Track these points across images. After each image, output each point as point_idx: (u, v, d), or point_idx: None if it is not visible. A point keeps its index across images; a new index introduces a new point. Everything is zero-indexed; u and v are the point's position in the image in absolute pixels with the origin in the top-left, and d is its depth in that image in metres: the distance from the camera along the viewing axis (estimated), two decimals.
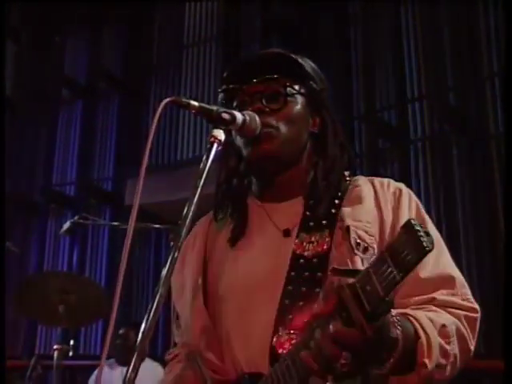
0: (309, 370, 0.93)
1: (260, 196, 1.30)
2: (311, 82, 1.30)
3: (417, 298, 1.13)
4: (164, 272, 1.00)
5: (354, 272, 0.90)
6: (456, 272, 1.18)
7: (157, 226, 3.24)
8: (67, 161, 6.82)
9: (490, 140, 4.61)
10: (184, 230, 1.05)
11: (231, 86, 1.29)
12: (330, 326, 0.90)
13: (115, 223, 3.81)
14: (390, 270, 0.83)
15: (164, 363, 1.39)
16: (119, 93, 6.81)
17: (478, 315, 1.15)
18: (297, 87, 1.28)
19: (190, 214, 1.06)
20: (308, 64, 1.32)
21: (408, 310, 1.07)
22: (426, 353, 1.02)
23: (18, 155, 6.70)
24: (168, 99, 1.12)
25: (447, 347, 1.07)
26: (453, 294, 1.15)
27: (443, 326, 1.07)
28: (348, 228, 1.16)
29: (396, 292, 1.13)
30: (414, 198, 1.27)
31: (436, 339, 1.04)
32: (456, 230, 4.48)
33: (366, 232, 1.17)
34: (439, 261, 1.17)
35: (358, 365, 0.92)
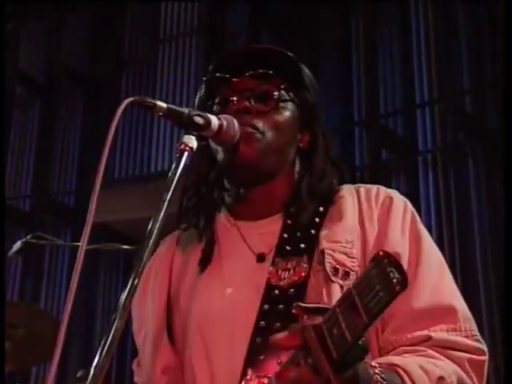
0: None
1: (233, 212, 1.31)
2: (305, 92, 1.32)
3: (409, 335, 1.11)
4: (121, 301, 1.00)
5: (323, 310, 0.90)
6: (459, 302, 1.17)
7: (126, 247, 3.22)
8: (21, 170, 6.79)
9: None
10: (146, 252, 1.05)
11: (218, 74, 1.29)
12: (293, 372, 0.90)
13: (77, 243, 3.77)
14: (357, 310, 0.83)
15: None
16: (84, 92, 6.81)
17: (486, 358, 1.13)
18: (291, 94, 1.30)
19: (155, 232, 1.07)
20: (305, 72, 1.35)
21: (396, 359, 1.05)
22: None
23: None
24: (130, 99, 1.14)
25: None
26: (454, 330, 1.12)
27: (441, 378, 1.05)
28: (323, 251, 1.17)
29: (385, 325, 1.13)
30: (410, 207, 1.26)
31: None
32: (472, 256, 4.47)
33: (346, 254, 1.17)
34: (438, 288, 1.16)
35: None
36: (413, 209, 1.26)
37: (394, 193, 1.28)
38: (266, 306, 1.15)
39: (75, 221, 6.28)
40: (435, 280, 1.17)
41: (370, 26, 5.49)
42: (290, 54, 1.31)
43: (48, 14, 7.02)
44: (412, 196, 5.08)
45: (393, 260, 0.82)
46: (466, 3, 5.00)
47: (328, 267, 1.15)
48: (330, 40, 5.61)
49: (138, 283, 1.03)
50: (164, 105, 1.16)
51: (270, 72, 1.26)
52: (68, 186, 6.58)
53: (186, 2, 6.41)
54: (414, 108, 5.10)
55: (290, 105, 1.29)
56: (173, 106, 1.17)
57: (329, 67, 5.46)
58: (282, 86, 1.28)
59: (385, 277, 0.81)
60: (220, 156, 1.26)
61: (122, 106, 1.11)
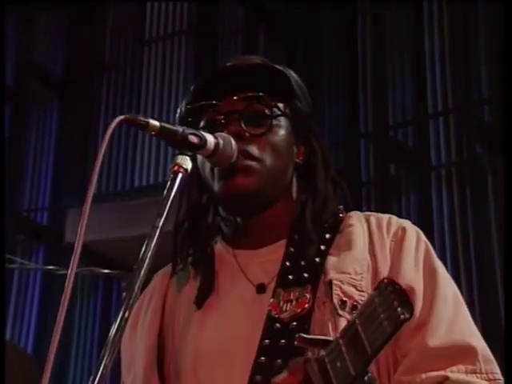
0: None
1: (231, 240, 1.35)
2: (296, 101, 1.35)
3: (424, 375, 1.14)
4: (111, 335, 1.03)
5: (327, 342, 0.94)
6: (478, 341, 1.20)
7: (105, 271, 3.24)
8: None
9: None
10: (138, 283, 1.08)
11: (203, 102, 1.33)
12: None
13: (50, 267, 3.79)
14: (361, 342, 0.87)
15: None
16: (59, 98, 6.84)
17: None
18: (281, 106, 1.33)
19: (146, 261, 1.10)
20: (293, 78, 1.38)
21: None
22: None
23: None
24: (121, 117, 1.17)
25: None
26: (473, 372, 1.15)
27: None
28: (330, 282, 1.21)
29: (398, 364, 1.17)
30: (423, 238, 1.30)
31: None
32: (492, 285, 4.45)
33: (355, 286, 1.21)
34: (455, 325, 1.20)
35: None
36: (426, 240, 1.30)
37: (407, 223, 1.32)
38: (267, 341, 1.18)
39: (48, 240, 6.30)
40: (451, 316, 1.20)
41: (377, 27, 5.54)
42: (278, 67, 1.34)
43: (18, 9, 7.01)
44: (424, 216, 5.08)
45: (397, 288, 0.86)
46: (486, 8, 5.03)
47: (335, 300, 1.18)
48: (333, 42, 5.66)
49: (128, 316, 1.06)
50: (157, 123, 1.18)
51: (260, 94, 1.29)
52: (41, 202, 6.60)
53: (174, 0, 6.47)
54: (426, 118, 5.13)
55: (283, 120, 1.33)
56: (166, 125, 1.19)
57: (331, 72, 5.50)
58: (274, 102, 1.32)
59: (388, 306, 0.85)
60: (215, 186, 1.30)
61: (113, 126, 1.13)
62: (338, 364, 0.90)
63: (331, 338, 0.95)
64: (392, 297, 0.85)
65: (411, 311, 0.85)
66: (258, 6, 6.14)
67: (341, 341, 0.91)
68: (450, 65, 5.12)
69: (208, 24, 6.29)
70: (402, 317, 0.84)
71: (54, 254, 6.08)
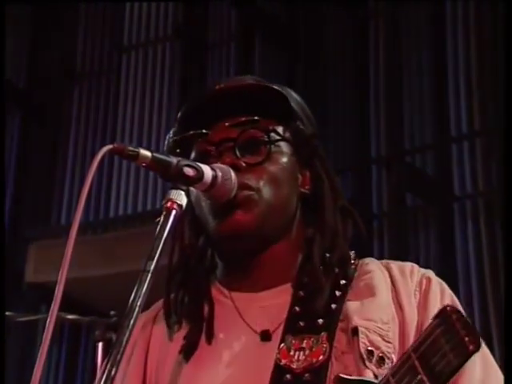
0: None
1: (227, 282, 1.37)
2: (298, 123, 1.39)
3: None
4: None
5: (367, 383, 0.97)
6: None
7: (73, 316, 3.24)
8: None
9: None
10: (126, 335, 1.11)
11: (191, 132, 1.36)
12: None
13: (6, 313, 3.77)
14: (419, 378, 0.90)
15: None
16: (21, 111, 6.87)
17: None
18: (280, 130, 1.37)
19: (136, 310, 1.13)
20: (292, 97, 1.41)
21: None
22: None
23: None
24: (108, 147, 1.20)
25: None
26: None
27: None
28: (356, 330, 1.24)
29: None
30: (448, 291, 1.35)
31: None
32: None
33: (381, 336, 1.24)
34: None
35: None
36: (451, 292, 1.35)
37: (430, 272, 1.37)
38: None
39: (5, 280, 6.27)
40: (482, 376, 1.24)
41: (392, 33, 5.58)
42: (274, 86, 1.36)
43: None
44: (446, 255, 5.05)
45: (462, 317, 0.89)
46: None
47: (362, 348, 1.21)
48: (341, 50, 5.71)
49: (115, 374, 1.08)
50: (148, 154, 1.21)
51: (255, 118, 1.33)
52: None
53: (158, 1, 6.51)
54: (448, 142, 5.16)
55: (283, 145, 1.36)
56: (159, 155, 1.21)
57: (339, 88, 5.51)
58: (271, 126, 1.35)
59: (455, 335, 0.88)
60: (210, 224, 1.33)
61: (99, 156, 1.16)
62: None
63: (374, 381, 0.99)
64: (458, 325, 0.88)
65: (479, 342, 0.88)
66: (255, 7, 6.16)
67: (391, 379, 0.93)
68: (477, 80, 5.15)
69: (196, 28, 6.33)
70: (472, 347, 0.87)
71: (12, 295, 6.06)
